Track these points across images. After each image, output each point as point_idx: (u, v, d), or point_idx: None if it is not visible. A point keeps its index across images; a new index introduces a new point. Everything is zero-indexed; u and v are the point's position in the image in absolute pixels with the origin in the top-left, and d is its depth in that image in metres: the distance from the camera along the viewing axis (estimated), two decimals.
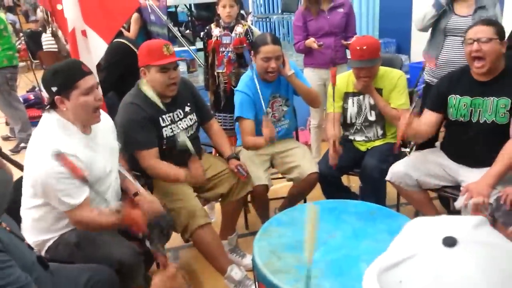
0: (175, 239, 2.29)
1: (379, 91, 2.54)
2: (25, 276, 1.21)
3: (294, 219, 1.82)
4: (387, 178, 2.33)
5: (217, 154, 2.72)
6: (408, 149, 2.80)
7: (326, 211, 1.88)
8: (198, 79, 4.11)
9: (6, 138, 5.07)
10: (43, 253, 1.82)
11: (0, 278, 1.13)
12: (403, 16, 4.77)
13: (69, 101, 1.74)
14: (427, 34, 2.82)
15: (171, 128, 2.29)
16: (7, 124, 5.17)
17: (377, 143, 2.61)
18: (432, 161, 2.30)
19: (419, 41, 3.72)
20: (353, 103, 2.62)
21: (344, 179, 2.93)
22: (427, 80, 2.90)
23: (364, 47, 2.39)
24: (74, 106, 1.75)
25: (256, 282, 1.62)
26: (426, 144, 2.45)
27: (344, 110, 2.64)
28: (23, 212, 1.84)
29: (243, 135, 2.51)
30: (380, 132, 2.62)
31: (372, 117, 2.60)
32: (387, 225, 1.75)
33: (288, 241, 1.67)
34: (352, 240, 1.67)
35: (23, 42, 7.46)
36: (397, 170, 2.30)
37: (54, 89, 1.74)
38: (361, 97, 2.59)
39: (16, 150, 4.59)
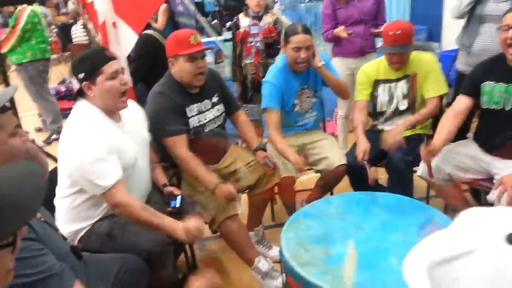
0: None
1: (413, 76, 2.47)
2: (59, 264, 1.24)
3: (322, 211, 1.81)
4: (418, 173, 2.28)
5: (244, 145, 2.72)
6: None
7: (354, 203, 1.86)
8: (225, 70, 4.10)
9: (38, 130, 5.21)
10: (75, 243, 1.88)
11: (34, 266, 1.16)
12: (434, 2, 4.62)
13: (96, 86, 1.79)
14: (460, 21, 2.73)
15: (198, 119, 2.30)
16: (39, 116, 5.32)
17: (406, 134, 2.55)
18: (464, 154, 2.23)
19: (451, 28, 3.60)
20: (383, 90, 2.55)
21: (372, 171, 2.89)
22: (459, 69, 2.81)
23: (398, 32, 2.33)
24: (100, 91, 1.79)
25: (284, 274, 1.63)
26: (458, 135, 2.38)
27: (374, 98, 2.58)
28: (57, 201, 1.89)
29: (268, 127, 2.49)
30: None
31: (403, 106, 2.53)
32: (417, 218, 1.72)
33: (315, 233, 1.67)
34: (381, 233, 1.65)
35: (54, 35, 7.62)
36: (429, 175, 2.24)
37: (81, 75, 1.80)
38: (392, 84, 2.52)
39: (48, 141, 4.72)
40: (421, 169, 2.29)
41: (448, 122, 2.14)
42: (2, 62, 2.57)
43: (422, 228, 1.64)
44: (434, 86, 2.44)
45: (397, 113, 2.56)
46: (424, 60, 2.47)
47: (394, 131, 2.34)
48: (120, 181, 1.77)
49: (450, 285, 0.57)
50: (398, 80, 2.51)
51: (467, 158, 2.21)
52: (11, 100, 2.80)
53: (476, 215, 0.62)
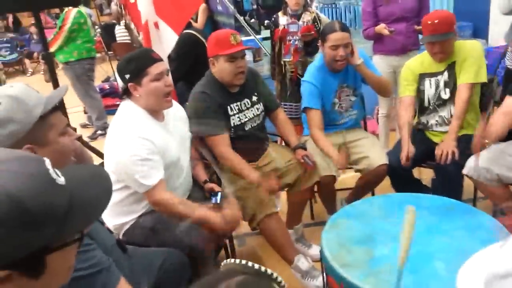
0: (242, 226, 2.33)
1: (452, 64, 2.39)
2: (106, 258, 1.28)
3: (363, 212, 1.79)
4: (465, 172, 2.20)
5: (283, 143, 2.72)
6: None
7: (397, 204, 1.81)
8: (264, 68, 4.12)
9: (84, 126, 5.42)
10: (120, 236, 1.94)
11: (84, 260, 1.19)
12: None
13: (141, 87, 1.84)
14: (508, 17, 2.62)
15: (238, 117, 2.32)
16: (85, 112, 5.52)
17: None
18: None
19: (498, 25, 3.45)
20: (430, 84, 2.47)
21: (415, 171, 2.82)
22: (508, 66, 2.69)
23: (436, 21, 2.27)
24: (145, 92, 1.85)
25: (325, 274, 1.62)
26: (508, 135, 2.28)
27: (421, 92, 2.51)
28: None
29: (310, 127, 2.48)
30: (454, 110, 2.45)
31: (446, 95, 2.45)
32: (464, 222, 1.66)
33: (357, 234, 1.64)
34: (426, 236, 1.60)
35: (98, 34, 7.88)
36: (475, 164, 2.16)
37: (127, 76, 1.86)
38: (439, 77, 2.44)
39: (93, 137, 4.90)
40: (467, 168, 2.21)
41: (499, 120, 2.05)
42: (50, 61, 2.67)
43: (469, 232, 1.59)
44: (467, 73, 2.35)
45: (440, 102, 2.47)
46: (467, 47, 2.39)
47: (446, 145, 2.27)
48: (162, 180, 1.83)
49: None
50: (443, 72, 2.43)
51: None
52: (61, 100, 2.93)
53: None
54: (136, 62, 1.86)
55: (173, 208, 1.82)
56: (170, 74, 1.97)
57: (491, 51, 4.31)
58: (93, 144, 3.38)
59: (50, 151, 1.23)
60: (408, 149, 2.28)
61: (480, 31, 4.75)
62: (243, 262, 0.70)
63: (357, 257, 1.52)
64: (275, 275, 0.70)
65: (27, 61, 9.97)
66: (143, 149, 1.79)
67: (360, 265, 1.47)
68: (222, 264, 0.72)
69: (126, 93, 1.92)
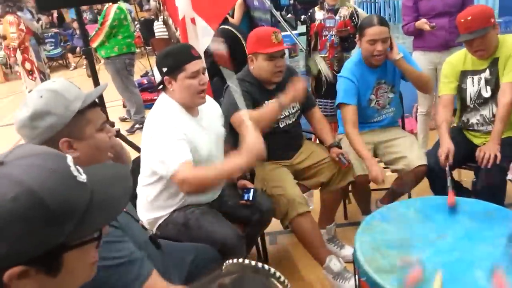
0: (274, 223, 2.33)
1: (495, 60, 2.27)
2: (139, 252, 1.30)
3: (400, 215, 1.73)
4: (509, 177, 2.10)
5: (318, 141, 2.68)
6: None
7: (436, 208, 1.75)
8: (299, 64, 4.08)
9: (123, 119, 5.56)
10: (154, 230, 1.98)
11: (118, 250, 1.22)
12: None
13: (176, 82, 1.86)
14: None
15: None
16: (124, 106, 5.66)
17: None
18: None
19: None
20: (472, 82, 2.36)
21: (455, 173, 2.71)
22: None
23: (469, 18, 2.17)
24: (179, 88, 1.86)
25: (357, 277, 1.58)
26: None
27: (462, 90, 2.40)
28: (139, 189, 2.00)
29: (345, 123, 2.43)
30: (495, 109, 2.33)
31: (487, 94, 2.33)
32: (506, 228, 1.57)
33: (392, 238, 1.59)
34: (465, 242, 1.54)
35: (137, 30, 8.05)
36: None
37: (164, 69, 1.88)
38: (482, 74, 2.32)
39: (132, 130, 5.02)
40: (511, 174, 2.10)
41: None
42: (90, 56, 2.74)
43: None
44: (511, 71, 2.22)
45: (481, 100, 2.36)
46: (510, 42, 2.26)
47: (488, 147, 2.17)
48: (188, 161, 1.75)
49: None
50: (486, 69, 2.32)
51: None
52: (100, 96, 3.01)
53: None
54: (175, 57, 1.88)
55: (206, 176, 1.74)
56: (206, 71, 1.97)
57: None
58: (131, 137, 3.46)
59: (87, 146, 1.26)
60: (448, 147, 2.18)
61: None
62: (246, 261, 0.68)
63: (390, 262, 1.47)
64: (276, 273, 0.68)
65: (70, 55, 10.34)
66: (173, 133, 1.79)
67: (394, 270, 1.42)
68: (224, 264, 0.71)
69: (162, 86, 1.95)
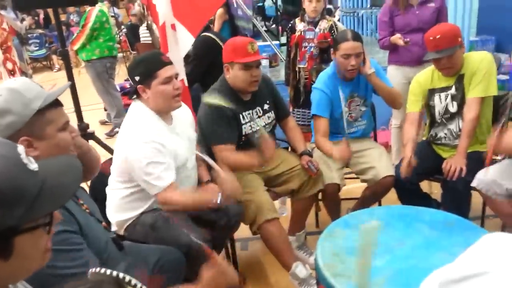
0: (245, 230, 2.34)
1: (461, 77, 2.33)
2: (94, 259, 1.29)
3: (362, 222, 1.75)
4: (473, 184, 2.15)
5: (289, 150, 2.72)
6: (499, 157, 2.56)
7: (397, 217, 1.79)
8: (280, 74, 4.14)
9: (103, 123, 5.54)
10: (121, 231, 1.98)
11: (71, 259, 1.21)
12: (505, 11, 4.34)
13: (150, 90, 1.87)
14: None
15: (250, 126, 2.33)
16: (105, 109, 5.64)
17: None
18: None
19: None
20: (440, 99, 2.42)
21: (425, 184, 2.77)
22: None
23: (438, 36, 2.22)
24: (154, 95, 1.88)
25: (317, 284, 1.60)
26: None
27: (431, 108, 2.47)
28: (109, 191, 2.00)
29: (316, 134, 2.48)
30: (462, 124, 2.39)
31: (453, 109, 2.39)
32: (464, 238, 1.62)
33: (353, 245, 1.61)
34: (423, 251, 1.58)
35: (123, 34, 8.05)
36: (484, 177, 2.11)
37: (137, 78, 1.89)
38: (449, 91, 2.38)
39: (111, 134, 4.99)
40: (477, 180, 2.15)
41: None
42: (67, 58, 2.74)
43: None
44: (476, 87, 2.28)
45: (447, 116, 2.42)
46: (475, 58, 2.32)
47: (455, 160, 2.23)
48: (174, 182, 1.86)
49: None
50: (452, 86, 2.38)
51: None
52: (76, 99, 3.00)
53: (497, 239, 0.60)
54: (146, 65, 1.89)
55: (179, 202, 1.88)
56: (180, 77, 1.99)
57: None
58: (110, 140, 3.45)
59: (47, 145, 1.26)
60: (409, 161, 2.23)
61: (503, 46, 4.66)
62: (109, 272, 0.71)
63: (349, 267, 1.50)
64: (132, 281, 0.72)
65: (54, 57, 10.24)
66: (156, 152, 1.83)
67: (352, 275, 1.45)
68: (89, 273, 0.73)
69: (136, 94, 1.96)
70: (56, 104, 1.29)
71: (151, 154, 1.81)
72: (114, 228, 1.98)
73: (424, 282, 0.66)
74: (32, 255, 0.81)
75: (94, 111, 5.68)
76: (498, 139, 1.88)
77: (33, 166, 0.80)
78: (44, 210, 0.79)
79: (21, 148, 0.80)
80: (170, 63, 1.93)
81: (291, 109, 3.13)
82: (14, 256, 0.76)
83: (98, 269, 0.71)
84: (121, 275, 0.70)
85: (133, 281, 0.70)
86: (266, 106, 2.40)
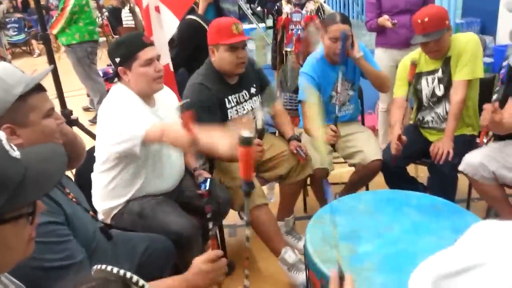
0: (234, 216, 2.33)
1: (447, 59, 2.33)
2: (80, 251, 1.26)
3: (350, 208, 1.77)
4: (460, 168, 2.17)
5: (277, 134, 2.71)
6: (485, 140, 2.58)
7: (385, 201, 1.79)
8: (266, 58, 4.08)
9: (86, 109, 5.43)
10: (108, 220, 1.94)
11: (57, 252, 1.18)
12: None
13: (131, 72, 1.83)
14: None
15: (236, 110, 2.30)
16: (87, 95, 5.52)
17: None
18: None
19: (507, 22, 3.38)
20: (427, 82, 2.42)
21: (411, 168, 2.79)
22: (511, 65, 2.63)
23: (426, 19, 2.20)
24: (135, 77, 1.83)
25: (307, 269, 1.61)
26: (507, 135, 2.23)
27: (417, 92, 2.47)
28: (94, 176, 1.96)
29: (304, 120, 2.47)
30: (449, 107, 2.40)
31: (440, 92, 2.39)
32: (451, 222, 1.64)
33: (342, 230, 1.62)
34: (411, 235, 1.59)
35: (105, 18, 7.85)
36: (472, 161, 2.13)
37: (117, 60, 1.84)
38: (436, 74, 2.38)
39: (95, 120, 4.88)
40: (463, 165, 2.17)
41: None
42: (48, 42, 2.65)
43: (456, 233, 1.56)
44: (462, 69, 2.28)
45: (434, 99, 2.42)
46: (461, 40, 2.31)
47: (442, 143, 2.24)
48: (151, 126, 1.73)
49: None
50: (439, 69, 2.38)
51: None
52: (59, 85, 2.92)
53: (490, 227, 0.58)
54: (126, 46, 1.85)
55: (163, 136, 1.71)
56: (165, 61, 1.93)
57: (498, 48, 4.24)
58: (94, 127, 3.38)
59: (31, 132, 1.22)
60: (399, 137, 2.24)
61: (488, 28, 4.66)
62: (113, 269, 0.68)
63: (339, 253, 1.50)
64: (139, 281, 0.69)
65: (34, 42, 9.98)
66: (131, 115, 1.77)
67: (341, 261, 1.45)
68: (92, 270, 0.71)
69: (117, 77, 1.91)
70: (39, 89, 1.24)
71: (127, 116, 1.75)
72: (101, 217, 1.95)
73: (413, 277, 0.64)
74: (14, 246, 0.79)
75: (77, 97, 5.57)
76: (491, 118, 1.87)
77: (15, 153, 0.78)
78: (27, 198, 0.77)
79: (1, 134, 0.78)
80: (151, 44, 1.89)
81: (278, 94, 3.11)
82: None
83: (103, 267, 0.68)
84: (128, 274, 0.68)
85: (141, 282, 0.68)
86: (252, 90, 2.37)
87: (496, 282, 0.51)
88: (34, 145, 1.01)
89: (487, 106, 1.89)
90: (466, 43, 2.29)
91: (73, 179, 1.82)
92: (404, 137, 2.25)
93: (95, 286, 0.63)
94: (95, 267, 0.69)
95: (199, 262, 1.19)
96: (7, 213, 0.75)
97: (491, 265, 0.52)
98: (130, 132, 1.72)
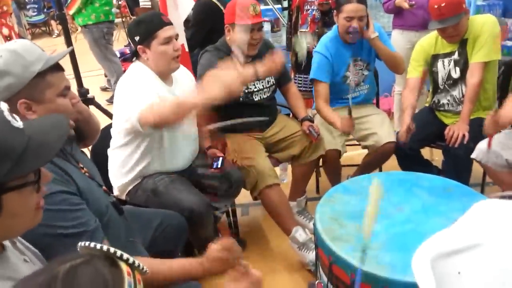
0: (246, 195, 2.36)
1: (464, 41, 2.29)
2: (94, 221, 1.29)
3: (361, 187, 1.77)
4: (473, 156, 2.15)
5: (291, 116, 2.71)
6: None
7: (396, 182, 1.79)
8: (282, 39, 4.06)
9: (104, 89, 5.49)
10: (123, 196, 1.99)
11: (70, 219, 1.21)
12: None
13: (150, 51, 1.85)
14: None
15: (247, 86, 2.30)
16: (105, 76, 5.58)
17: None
18: None
19: None
20: (443, 65, 2.38)
21: (426, 152, 2.77)
22: None
23: (443, 4, 2.15)
24: (154, 55, 1.86)
25: (316, 247, 1.63)
26: None
27: (434, 74, 2.43)
28: (110, 152, 2.00)
29: (316, 98, 2.46)
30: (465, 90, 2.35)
31: (456, 75, 2.36)
32: (462, 204, 1.63)
33: (352, 209, 1.64)
34: (421, 215, 1.59)
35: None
36: (485, 148, 2.11)
37: (137, 38, 1.87)
38: (452, 57, 2.34)
39: (111, 100, 4.95)
40: (476, 151, 2.15)
41: None
42: (64, 22, 2.68)
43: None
44: (479, 51, 2.23)
45: (450, 82, 2.39)
46: (479, 22, 2.26)
47: (457, 127, 2.21)
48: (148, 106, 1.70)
49: (452, 280, 0.54)
50: (455, 51, 2.34)
51: None
52: (75, 65, 2.96)
53: (491, 206, 0.58)
54: (146, 25, 1.87)
55: (164, 118, 1.68)
56: (180, 41, 1.93)
57: None
58: (111, 107, 3.43)
59: (46, 109, 1.25)
60: (408, 127, 2.22)
61: (511, 11, 4.53)
62: (98, 246, 0.68)
63: (348, 231, 1.52)
64: (129, 258, 0.69)
65: (53, 22, 10.05)
66: (146, 93, 1.77)
67: (350, 239, 1.47)
68: (78, 247, 0.71)
69: (136, 56, 1.94)
70: (57, 68, 1.27)
71: (141, 94, 1.74)
72: (116, 193, 1.99)
73: (415, 255, 0.65)
74: (21, 213, 0.82)
75: (95, 77, 5.64)
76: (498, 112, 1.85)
77: (18, 123, 0.81)
78: (30, 166, 0.80)
79: (3, 105, 0.81)
80: (170, 23, 1.91)
81: (292, 75, 3.09)
82: (4, 214, 0.78)
83: (87, 243, 0.69)
84: (112, 249, 0.68)
85: (125, 256, 0.68)
86: None
87: (492, 263, 0.51)
88: (38, 118, 1.05)
89: (488, 116, 1.89)
90: (482, 25, 2.24)
91: (88, 156, 1.86)
92: (413, 126, 2.23)
93: (80, 263, 0.64)
94: (79, 244, 0.70)
95: (215, 250, 1.20)
96: (11, 181, 0.78)
97: (489, 246, 0.52)
98: (127, 112, 1.75)
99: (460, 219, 0.60)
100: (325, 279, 1.51)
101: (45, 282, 0.61)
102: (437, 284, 0.57)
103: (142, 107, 1.70)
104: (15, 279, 0.81)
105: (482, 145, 2.13)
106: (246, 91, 2.30)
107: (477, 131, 2.21)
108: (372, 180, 1.10)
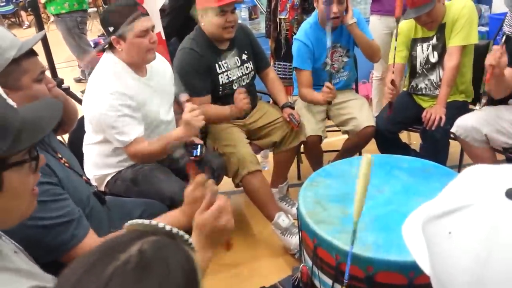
0: (227, 183, 2.35)
1: (442, 26, 2.32)
2: (77, 210, 1.28)
3: (343, 171, 1.78)
4: (452, 130, 2.19)
5: (271, 102, 2.70)
6: (477, 107, 2.59)
7: (377, 165, 1.80)
8: (260, 26, 4.03)
9: (78, 80, 5.37)
10: (102, 187, 1.96)
11: (54, 209, 1.20)
12: None
13: (125, 42, 1.79)
14: None
15: (227, 75, 2.29)
16: (79, 67, 5.45)
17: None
18: (506, 119, 2.11)
19: None
20: (422, 49, 2.42)
21: (404, 136, 2.81)
22: (507, 33, 2.62)
23: None
24: (128, 47, 1.80)
25: (300, 231, 1.64)
26: (498, 101, 2.24)
27: (413, 58, 2.46)
28: (85, 148, 1.96)
29: (299, 87, 2.47)
30: (442, 74, 2.40)
31: (434, 59, 2.40)
32: (441, 184, 1.61)
33: (334, 193, 1.65)
34: (402, 196, 1.61)
35: None
36: (464, 123, 2.15)
37: (110, 29, 1.79)
38: (431, 41, 2.38)
39: None
40: (456, 126, 2.19)
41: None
42: (37, 10, 2.60)
43: None
44: (457, 35, 2.27)
45: (429, 66, 2.42)
46: (456, 6, 2.30)
47: (434, 109, 2.25)
48: (139, 137, 1.81)
49: (443, 240, 0.55)
50: (434, 36, 2.37)
51: (508, 123, 2.09)
52: (49, 55, 2.87)
53: (479, 171, 0.59)
54: (121, 15, 1.77)
55: (147, 152, 1.82)
56: (157, 30, 1.90)
57: (494, 17, 4.21)
58: None
59: (23, 96, 1.22)
60: (391, 84, 2.27)
61: None
62: (153, 222, 0.63)
63: (331, 214, 1.53)
64: (185, 236, 0.65)
65: (23, 13, 9.75)
66: (121, 106, 1.76)
67: (334, 221, 1.48)
68: (127, 224, 0.67)
69: (110, 46, 1.87)
70: (31, 53, 1.24)
71: (116, 107, 1.75)
72: (94, 184, 1.95)
73: (405, 222, 0.66)
74: (21, 194, 0.83)
75: (68, 69, 5.50)
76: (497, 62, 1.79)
77: (12, 102, 0.83)
78: (29, 141, 0.81)
79: None
80: (147, 13, 1.84)
81: (272, 63, 3.08)
82: (4, 192, 0.79)
83: (136, 221, 0.64)
84: (167, 227, 0.63)
85: (180, 232, 0.64)
86: (244, 56, 2.35)
87: (483, 220, 0.52)
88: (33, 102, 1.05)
89: (496, 47, 1.83)
90: (460, 9, 2.27)
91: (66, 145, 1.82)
92: (398, 88, 2.27)
93: (157, 241, 0.57)
94: (128, 223, 0.65)
95: (190, 191, 1.20)
96: (12, 157, 0.79)
97: (479, 205, 0.54)
98: (111, 135, 1.80)
99: (450, 183, 0.62)
100: (309, 262, 1.52)
101: (127, 271, 0.51)
102: (427, 246, 0.59)
103: (132, 137, 1.79)
104: (11, 269, 0.81)
105: (461, 120, 2.17)
106: (227, 81, 2.28)
107: (453, 113, 2.26)
108: (362, 161, 1.09)
